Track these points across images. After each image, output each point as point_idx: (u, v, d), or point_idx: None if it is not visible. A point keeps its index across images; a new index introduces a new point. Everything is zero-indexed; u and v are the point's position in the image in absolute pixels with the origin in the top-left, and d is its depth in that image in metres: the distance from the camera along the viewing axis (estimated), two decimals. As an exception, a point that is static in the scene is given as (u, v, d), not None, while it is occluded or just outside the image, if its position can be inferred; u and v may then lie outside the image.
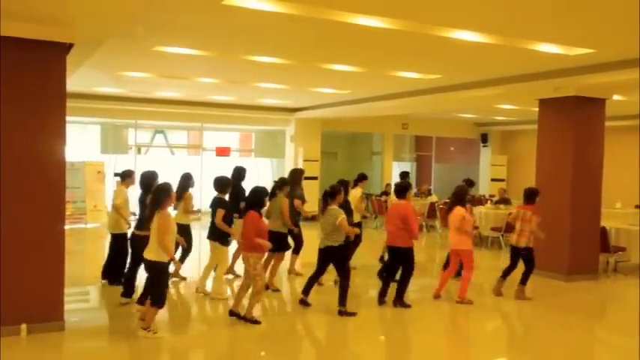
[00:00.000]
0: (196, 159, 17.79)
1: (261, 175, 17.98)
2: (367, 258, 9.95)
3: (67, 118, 6.12)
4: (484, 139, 20.16)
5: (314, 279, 7.26)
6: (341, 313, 6.84)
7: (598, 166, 9.58)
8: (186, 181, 8.26)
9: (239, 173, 8.56)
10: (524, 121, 16.99)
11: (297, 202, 8.56)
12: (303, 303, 7.20)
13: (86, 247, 12.67)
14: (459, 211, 7.65)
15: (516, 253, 8.02)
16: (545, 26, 5.92)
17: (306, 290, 7.24)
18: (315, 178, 16.00)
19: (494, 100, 12.35)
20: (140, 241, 7.03)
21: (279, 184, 8.22)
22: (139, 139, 17.65)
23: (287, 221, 7.97)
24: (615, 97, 9.78)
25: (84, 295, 8.11)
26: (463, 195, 7.86)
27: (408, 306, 7.31)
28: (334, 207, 6.90)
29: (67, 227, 6.22)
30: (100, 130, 17.50)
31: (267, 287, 7.67)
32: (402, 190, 7.50)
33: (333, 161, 18.43)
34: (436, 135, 20.35)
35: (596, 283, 9.36)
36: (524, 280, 7.91)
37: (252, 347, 6.06)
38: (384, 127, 18.52)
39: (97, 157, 16.20)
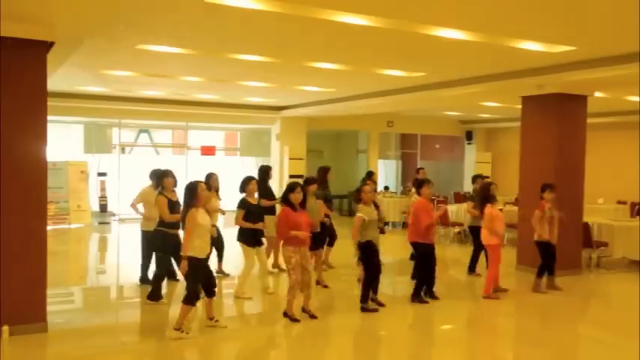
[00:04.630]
0: (181, 158, 17.69)
1: (247, 173, 17.90)
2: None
3: (50, 118, 6.06)
4: (469, 136, 20.30)
5: None
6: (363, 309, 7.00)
7: (580, 162, 9.69)
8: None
9: (265, 173, 9.06)
10: (508, 119, 17.12)
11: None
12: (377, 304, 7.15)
13: (70, 248, 12.56)
14: (486, 209, 7.79)
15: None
16: (528, 24, 5.96)
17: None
18: (300, 177, 15.97)
19: (478, 98, 12.43)
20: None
21: (306, 183, 8.00)
22: (123, 138, 17.48)
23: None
24: (597, 94, 9.89)
25: (67, 296, 8.03)
26: (485, 193, 7.98)
27: (426, 302, 7.42)
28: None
29: (50, 228, 6.16)
30: (84, 129, 17.28)
31: (317, 282, 8.01)
32: (416, 186, 7.92)
33: (318, 159, 18.36)
34: (421, 133, 20.40)
35: (580, 278, 9.46)
36: (541, 273, 8.18)
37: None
38: (370, 125, 18.54)
39: (81, 156, 16.03)
